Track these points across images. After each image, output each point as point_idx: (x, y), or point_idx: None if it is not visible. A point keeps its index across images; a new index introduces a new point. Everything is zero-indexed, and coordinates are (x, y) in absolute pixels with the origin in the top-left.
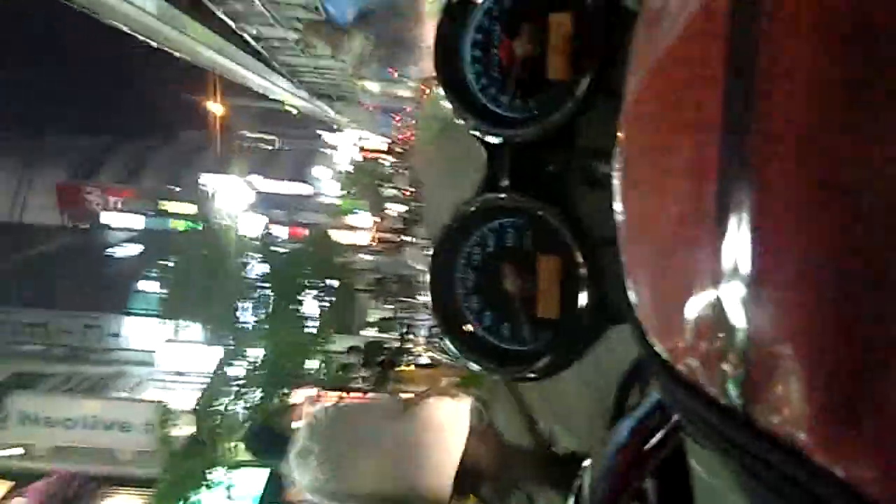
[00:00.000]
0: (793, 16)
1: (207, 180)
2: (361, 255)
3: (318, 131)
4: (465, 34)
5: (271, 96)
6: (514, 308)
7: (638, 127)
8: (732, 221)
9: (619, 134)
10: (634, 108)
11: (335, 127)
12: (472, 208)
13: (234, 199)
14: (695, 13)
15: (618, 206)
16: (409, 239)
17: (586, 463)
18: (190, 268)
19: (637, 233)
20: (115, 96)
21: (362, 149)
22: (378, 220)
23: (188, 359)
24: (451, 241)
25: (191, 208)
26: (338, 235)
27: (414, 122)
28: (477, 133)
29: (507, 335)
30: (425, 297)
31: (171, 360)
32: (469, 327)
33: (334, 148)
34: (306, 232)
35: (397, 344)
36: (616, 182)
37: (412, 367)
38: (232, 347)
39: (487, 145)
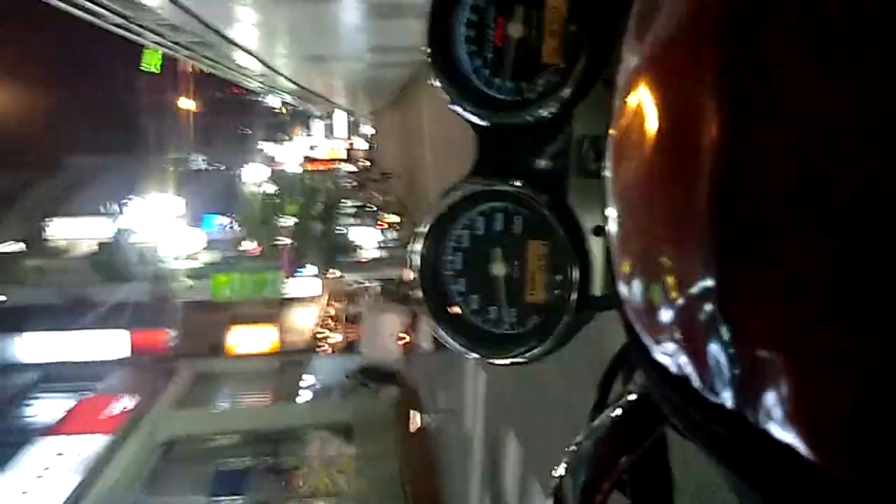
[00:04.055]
0: (789, 13)
1: None
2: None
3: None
4: (460, 13)
5: None
6: (500, 291)
7: (629, 122)
8: (726, 219)
9: (610, 128)
10: (626, 102)
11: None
12: (461, 192)
13: None
14: (689, 6)
15: (609, 198)
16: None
17: (568, 452)
18: None
19: (628, 226)
20: None
21: (310, 159)
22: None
23: None
24: (439, 223)
25: None
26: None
27: None
28: (468, 116)
29: (493, 318)
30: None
31: None
32: (456, 309)
33: (273, 161)
34: (165, 336)
35: None
36: (608, 176)
37: None
38: None
39: (478, 129)
